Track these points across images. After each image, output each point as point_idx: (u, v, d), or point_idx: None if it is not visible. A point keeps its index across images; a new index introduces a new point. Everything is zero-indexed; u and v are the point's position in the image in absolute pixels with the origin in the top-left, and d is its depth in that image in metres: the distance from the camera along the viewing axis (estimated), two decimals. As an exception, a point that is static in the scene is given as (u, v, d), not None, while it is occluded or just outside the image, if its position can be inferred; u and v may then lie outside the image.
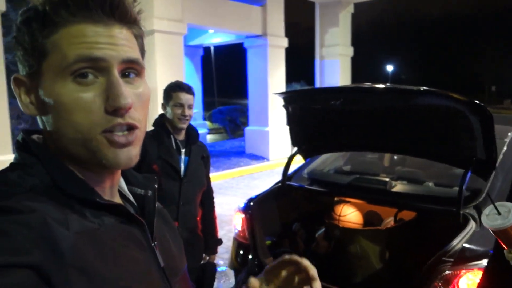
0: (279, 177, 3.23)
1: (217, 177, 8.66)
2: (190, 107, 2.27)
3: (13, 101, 7.57)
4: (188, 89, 2.28)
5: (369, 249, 2.69)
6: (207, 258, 2.50)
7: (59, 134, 0.61)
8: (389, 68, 42.21)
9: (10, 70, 16.30)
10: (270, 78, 10.47)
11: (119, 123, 0.60)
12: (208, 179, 2.50)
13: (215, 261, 2.55)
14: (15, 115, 7.13)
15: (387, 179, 2.71)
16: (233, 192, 7.61)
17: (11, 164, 0.63)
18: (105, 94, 0.59)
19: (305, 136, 3.00)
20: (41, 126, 0.65)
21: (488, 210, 1.14)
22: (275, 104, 10.53)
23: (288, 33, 10.98)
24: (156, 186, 0.77)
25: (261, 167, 9.75)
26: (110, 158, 0.61)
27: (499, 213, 1.11)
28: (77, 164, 0.63)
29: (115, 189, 0.70)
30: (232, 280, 2.59)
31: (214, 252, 2.54)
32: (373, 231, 2.78)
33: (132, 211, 0.67)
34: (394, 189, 2.63)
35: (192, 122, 2.47)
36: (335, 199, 3.07)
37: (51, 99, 0.59)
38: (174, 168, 2.24)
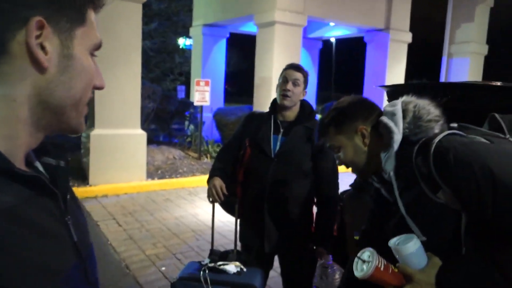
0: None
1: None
2: (295, 83, 2.27)
3: (145, 82, 8.47)
4: (296, 67, 2.31)
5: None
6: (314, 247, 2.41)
7: (67, 92, 0.63)
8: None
9: (148, 55, 18.13)
10: (389, 74, 10.04)
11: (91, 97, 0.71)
12: (327, 171, 2.33)
13: (329, 257, 2.43)
14: (146, 95, 7.97)
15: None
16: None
17: None
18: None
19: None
20: (19, 79, 0.59)
21: (356, 260, 1.16)
22: (391, 102, 10.04)
23: (412, 28, 10.37)
24: (67, 156, 0.73)
25: (369, 166, 9.45)
26: (83, 125, 0.69)
27: (363, 261, 1.14)
28: (30, 128, 0.62)
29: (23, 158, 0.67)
30: (335, 277, 2.43)
31: (320, 245, 2.39)
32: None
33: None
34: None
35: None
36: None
37: (77, 63, 0.63)
38: (261, 147, 2.30)
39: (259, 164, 2.32)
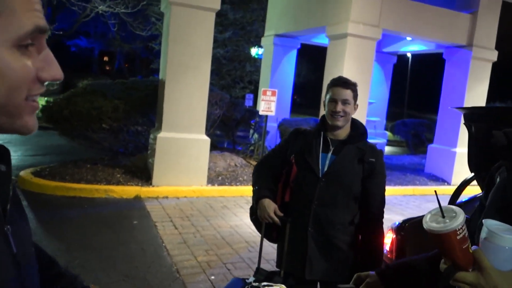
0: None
1: (387, 192, 8.22)
2: (345, 102, 2.11)
3: (213, 89, 8.62)
4: (344, 84, 2.13)
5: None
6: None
7: None
8: None
9: (220, 63, 18.58)
10: (468, 94, 9.34)
11: (41, 91, 0.60)
12: (374, 194, 2.19)
13: None
14: (213, 101, 8.10)
15: None
16: (400, 210, 7.11)
17: None
18: (40, 64, 0.59)
19: (486, 162, 2.57)
20: None
21: (435, 210, 0.96)
22: (468, 124, 9.34)
23: (498, 45, 9.58)
24: (10, 159, 0.66)
25: (439, 190, 8.80)
26: (30, 124, 0.60)
27: (443, 216, 0.94)
28: None
29: None
30: None
31: None
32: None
33: None
34: None
35: (372, 131, 2.33)
36: None
37: None
38: (309, 165, 2.15)
39: (305, 184, 2.17)
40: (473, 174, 2.66)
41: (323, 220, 2.15)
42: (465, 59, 9.36)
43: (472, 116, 2.53)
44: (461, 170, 9.25)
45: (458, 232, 0.90)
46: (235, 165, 8.27)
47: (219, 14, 17.19)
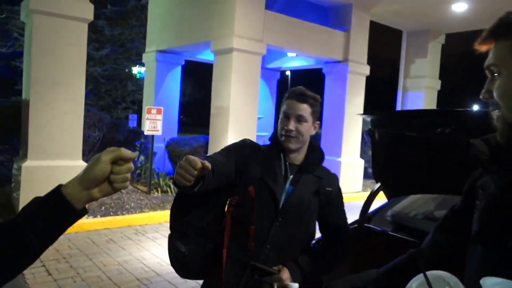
0: (348, 214, 2.70)
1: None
2: (300, 119, 1.69)
3: (90, 109, 7.77)
4: (300, 96, 1.70)
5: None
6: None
7: None
8: (475, 107, 39.22)
9: (98, 82, 17.27)
10: (348, 106, 9.90)
11: None
12: (340, 225, 1.83)
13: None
14: (91, 122, 7.27)
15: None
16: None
17: None
18: None
19: (393, 170, 2.45)
20: None
21: (418, 281, 0.80)
22: (350, 134, 9.92)
23: (369, 62, 10.40)
24: None
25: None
26: None
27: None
28: None
29: None
30: None
31: (292, 272, 1.63)
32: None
33: None
34: None
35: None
36: (426, 252, 2.46)
37: None
38: (274, 197, 1.68)
39: (261, 220, 1.68)
40: (379, 184, 2.53)
41: (271, 263, 1.66)
42: (343, 73, 9.93)
43: (376, 121, 2.40)
44: (346, 179, 9.71)
45: None
46: (120, 191, 7.48)
47: (94, 30, 16.04)
